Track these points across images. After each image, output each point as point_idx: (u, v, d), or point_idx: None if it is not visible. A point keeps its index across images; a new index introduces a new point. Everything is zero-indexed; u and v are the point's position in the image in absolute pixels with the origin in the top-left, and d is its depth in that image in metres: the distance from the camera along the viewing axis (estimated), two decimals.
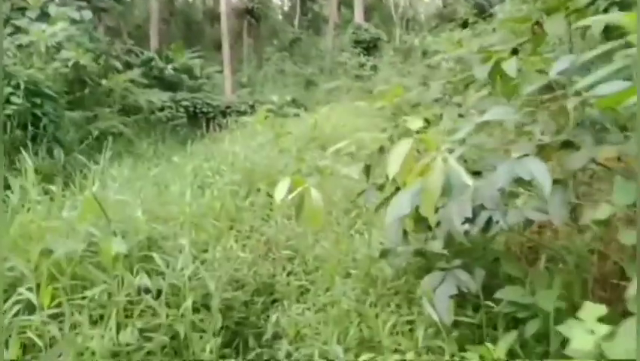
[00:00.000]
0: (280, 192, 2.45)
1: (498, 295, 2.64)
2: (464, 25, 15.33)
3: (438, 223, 2.57)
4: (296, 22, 28.48)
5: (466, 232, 2.50)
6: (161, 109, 12.37)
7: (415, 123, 2.58)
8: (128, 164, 6.78)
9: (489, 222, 2.51)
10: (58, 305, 2.71)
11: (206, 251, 3.92)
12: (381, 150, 2.70)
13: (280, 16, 31.74)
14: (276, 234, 4.59)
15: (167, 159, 7.49)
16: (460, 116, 2.95)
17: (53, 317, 2.67)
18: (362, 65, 18.35)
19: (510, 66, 2.42)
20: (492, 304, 2.67)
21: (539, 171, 1.93)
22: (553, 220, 2.33)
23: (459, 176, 1.71)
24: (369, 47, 19.78)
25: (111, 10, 21.23)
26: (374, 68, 17.96)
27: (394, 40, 22.40)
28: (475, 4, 19.80)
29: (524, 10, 7.47)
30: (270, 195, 5.98)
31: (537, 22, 2.84)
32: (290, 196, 2.46)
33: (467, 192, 2.00)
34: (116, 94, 10.44)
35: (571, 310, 2.71)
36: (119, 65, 10.26)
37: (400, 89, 3.07)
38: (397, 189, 2.67)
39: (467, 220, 2.50)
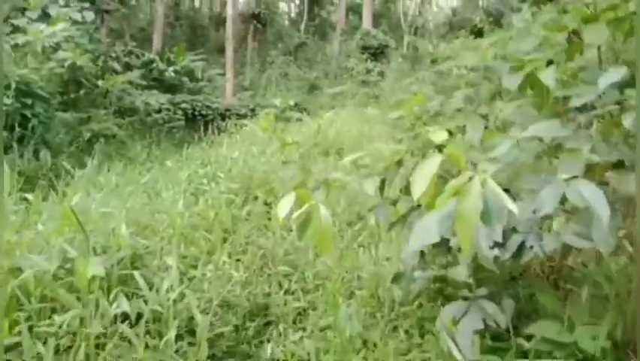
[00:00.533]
0: (283, 208, 2.08)
1: (531, 330, 2.29)
2: (477, 33, 14.99)
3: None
4: (302, 27, 28.20)
5: (496, 258, 2.15)
6: (158, 111, 12.01)
7: (439, 135, 2.23)
8: (118, 168, 6.43)
9: (521, 247, 2.16)
10: (20, 333, 2.35)
11: (195, 268, 3.57)
12: (399, 163, 2.34)
13: (287, 22, 31.47)
14: (274, 247, 4.24)
15: (160, 163, 7.14)
16: (486, 128, 2.59)
17: (11, 348, 2.30)
18: (369, 71, 17.92)
19: (547, 76, 2.10)
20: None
21: (595, 197, 1.58)
22: (600, 249, 1.97)
23: (499, 201, 1.36)
24: (377, 54, 19.37)
25: (115, 13, 21.04)
26: (381, 74, 17.60)
27: (402, 47, 22.08)
28: (487, 13, 19.52)
29: (542, 19, 7.12)
30: (267, 204, 5.65)
31: (574, 31, 2.53)
32: (294, 215, 2.09)
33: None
34: (113, 95, 10.12)
35: (614, 350, 2.35)
36: (117, 66, 9.92)
37: (421, 99, 2.73)
38: (418, 206, 2.31)
39: (496, 245, 2.16)
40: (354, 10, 30.22)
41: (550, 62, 2.46)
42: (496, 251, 2.11)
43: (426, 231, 1.48)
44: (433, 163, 1.47)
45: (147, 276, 2.97)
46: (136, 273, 2.89)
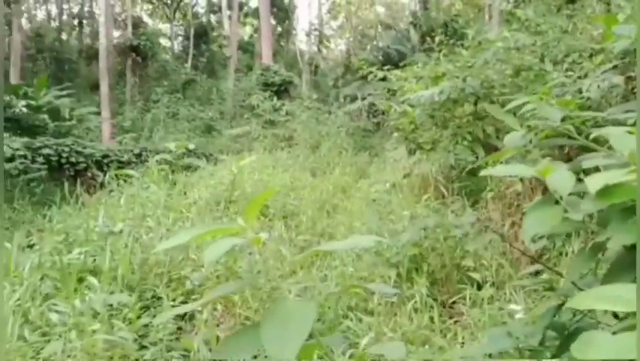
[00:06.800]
0: None
1: None
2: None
3: None
4: (188, 63, 25.74)
5: None
6: (11, 159, 9.14)
7: None
8: None
9: None
10: None
11: None
12: None
13: (169, 58, 28.77)
14: None
15: None
16: None
17: None
18: (276, 110, 15.92)
19: None
20: None
21: None
22: None
23: None
24: (280, 91, 17.53)
25: None
26: (289, 113, 15.65)
27: (302, 85, 20.47)
28: (385, 54, 18.86)
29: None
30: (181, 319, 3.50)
31: None
32: None
33: None
34: None
35: None
36: None
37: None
38: None
39: None
40: (244, 49, 28.58)
41: None
42: None
43: None
44: None
45: None
46: None
